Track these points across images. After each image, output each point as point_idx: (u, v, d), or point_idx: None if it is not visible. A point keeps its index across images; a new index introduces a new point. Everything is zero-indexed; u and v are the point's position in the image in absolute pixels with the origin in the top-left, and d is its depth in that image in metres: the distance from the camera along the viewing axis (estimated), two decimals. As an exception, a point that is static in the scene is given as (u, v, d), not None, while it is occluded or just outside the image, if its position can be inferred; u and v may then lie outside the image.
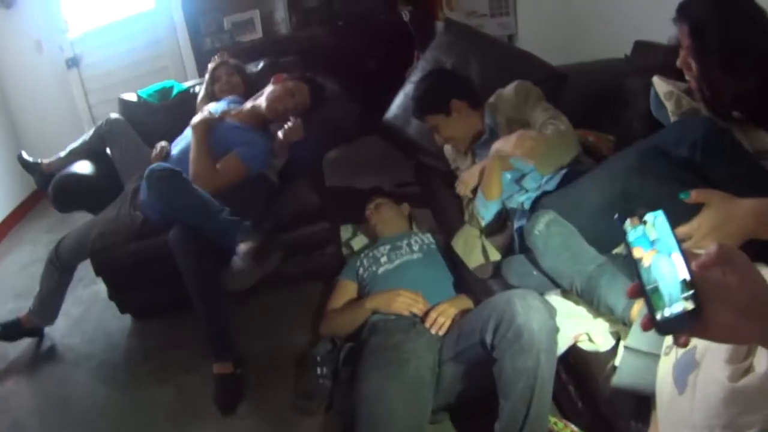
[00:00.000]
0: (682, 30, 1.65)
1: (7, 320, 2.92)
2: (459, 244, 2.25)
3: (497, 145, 2.11)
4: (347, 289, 2.44)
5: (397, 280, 2.24)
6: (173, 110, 3.35)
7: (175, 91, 3.51)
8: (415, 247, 2.40)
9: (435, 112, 2.41)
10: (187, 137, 2.79)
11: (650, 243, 0.79)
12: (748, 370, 0.93)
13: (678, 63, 1.70)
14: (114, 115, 3.14)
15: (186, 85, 3.56)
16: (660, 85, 1.88)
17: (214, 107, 2.94)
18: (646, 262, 0.78)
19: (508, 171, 2.14)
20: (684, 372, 1.04)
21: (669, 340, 1.13)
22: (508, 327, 1.59)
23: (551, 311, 1.66)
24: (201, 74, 4.35)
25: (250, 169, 2.69)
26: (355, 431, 1.76)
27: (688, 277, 0.74)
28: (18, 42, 4.72)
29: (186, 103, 3.32)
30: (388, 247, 2.44)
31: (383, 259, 2.37)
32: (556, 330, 1.64)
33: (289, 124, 2.74)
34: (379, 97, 3.10)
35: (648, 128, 2.01)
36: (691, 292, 0.73)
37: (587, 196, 1.79)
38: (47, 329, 3.00)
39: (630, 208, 0.83)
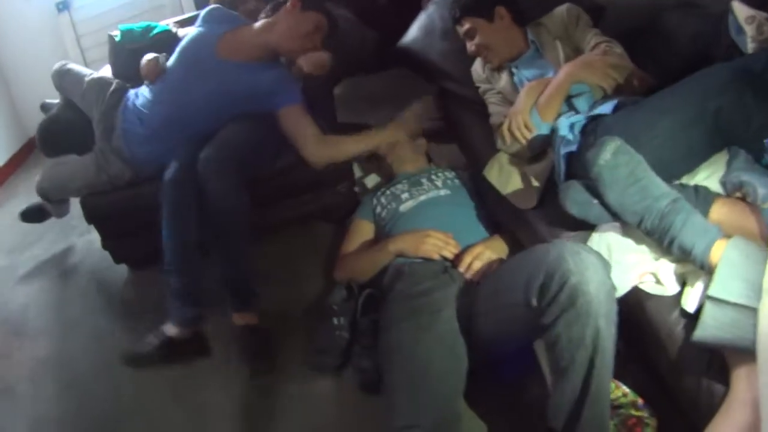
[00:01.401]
0: None
1: (34, 204, 3.06)
2: (493, 172, 2.06)
3: (573, 69, 1.95)
4: (364, 230, 2.22)
5: (423, 218, 2.00)
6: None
7: (154, 32, 3.15)
8: (438, 183, 2.17)
9: (477, 14, 2.20)
10: (183, 51, 2.50)
11: None
12: None
13: None
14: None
15: (166, 25, 3.22)
16: (740, 9, 1.77)
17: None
18: None
19: None
20: None
21: None
22: (560, 288, 1.34)
23: (608, 268, 1.43)
24: (198, 8, 4.14)
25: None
26: (385, 387, 1.57)
27: None
28: (5, -14, 4.50)
29: (164, 45, 2.88)
30: (407, 183, 2.20)
31: (404, 196, 2.12)
32: (614, 290, 1.41)
33: (314, 54, 2.46)
34: (391, 28, 2.81)
35: (688, 66, 1.83)
36: None
37: (668, 115, 1.61)
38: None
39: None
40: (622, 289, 1.50)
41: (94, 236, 3.00)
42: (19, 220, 3.06)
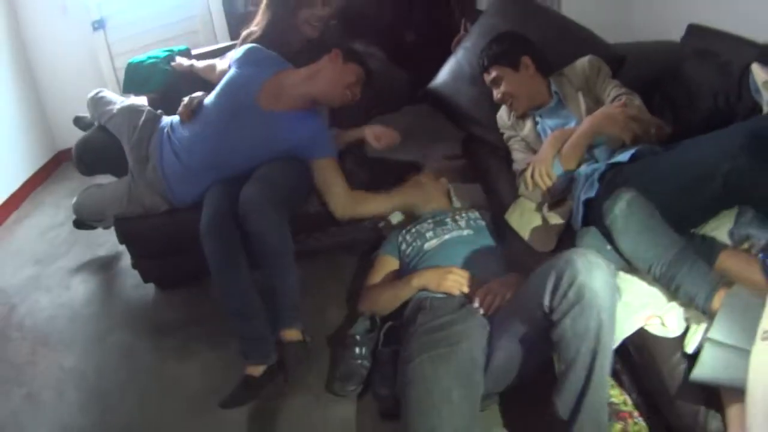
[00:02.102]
0: None
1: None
2: (514, 216, 2.18)
3: (595, 121, 2.06)
4: (388, 265, 2.30)
5: (446, 256, 2.08)
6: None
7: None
8: (462, 223, 2.24)
9: (504, 64, 2.34)
10: (221, 94, 2.54)
11: None
12: None
13: None
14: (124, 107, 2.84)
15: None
16: (759, 73, 1.84)
17: None
18: None
19: None
20: None
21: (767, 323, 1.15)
22: (569, 286, 1.46)
23: (612, 269, 1.53)
24: (232, 38, 4.20)
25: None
26: (404, 416, 1.63)
27: None
28: (44, 4, 4.59)
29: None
30: (432, 222, 2.28)
31: (429, 234, 2.21)
32: (618, 290, 1.56)
33: (384, 131, 2.56)
34: (418, 68, 2.93)
35: (707, 117, 2.04)
36: None
37: (682, 171, 1.73)
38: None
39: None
40: (629, 330, 1.61)
41: (122, 255, 3.12)
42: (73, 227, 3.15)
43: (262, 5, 2.82)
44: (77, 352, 2.59)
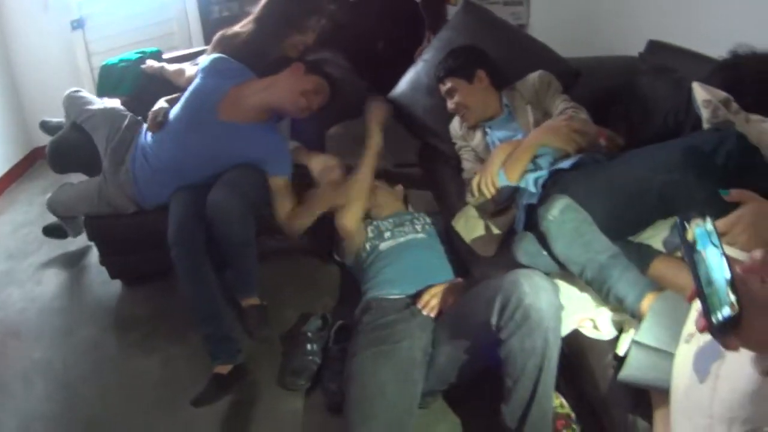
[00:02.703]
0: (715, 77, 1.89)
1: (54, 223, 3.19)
2: (460, 222, 2.27)
3: (539, 134, 2.17)
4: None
5: (398, 257, 2.18)
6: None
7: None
8: (418, 227, 2.34)
9: (459, 76, 2.44)
10: (185, 104, 2.60)
11: (704, 246, 0.82)
12: None
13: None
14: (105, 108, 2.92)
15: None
16: (699, 92, 1.90)
17: None
18: (702, 266, 0.81)
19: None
20: (707, 361, 1.03)
21: (692, 327, 1.16)
22: (516, 308, 1.58)
23: (557, 290, 1.67)
24: (207, 42, 4.29)
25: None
26: (345, 409, 1.75)
27: (731, 282, 0.77)
28: (24, 1, 4.64)
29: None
30: (392, 222, 2.36)
31: (387, 234, 2.29)
32: (562, 308, 1.65)
33: (328, 166, 2.55)
34: (387, 77, 3.03)
35: (659, 130, 2.07)
36: (734, 297, 0.76)
37: (620, 181, 1.81)
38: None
39: (688, 212, 0.87)
40: (563, 332, 1.69)
41: (92, 250, 3.19)
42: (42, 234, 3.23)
43: (254, 14, 2.88)
44: (46, 344, 2.68)
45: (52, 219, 3.15)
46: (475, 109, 2.43)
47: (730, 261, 0.79)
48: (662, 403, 1.34)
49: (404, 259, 2.18)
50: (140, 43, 3.98)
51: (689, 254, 0.83)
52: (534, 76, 2.45)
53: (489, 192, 2.15)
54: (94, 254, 3.13)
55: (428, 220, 2.42)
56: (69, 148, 2.88)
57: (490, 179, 2.15)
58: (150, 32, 4.47)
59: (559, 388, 1.79)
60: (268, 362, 2.32)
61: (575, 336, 1.72)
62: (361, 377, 1.76)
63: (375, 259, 2.23)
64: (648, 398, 1.45)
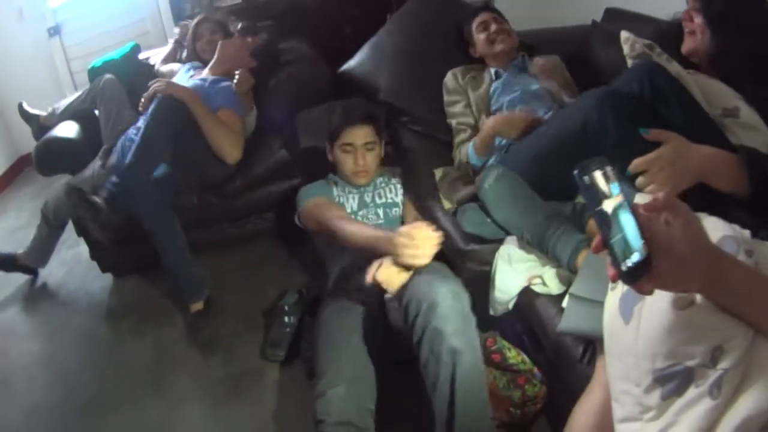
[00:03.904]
0: None
1: (5, 252, 3.23)
2: (439, 172, 2.47)
3: (500, 129, 2.23)
4: (330, 204, 2.34)
5: None
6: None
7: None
8: (380, 212, 2.38)
9: (498, 15, 2.69)
10: None
11: (606, 197, 0.83)
12: (692, 302, 0.96)
13: (682, 15, 1.87)
14: (108, 76, 3.21)
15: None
16: (623, 36, 1.99)
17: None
18: (606, 216, 0.83)
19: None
20: (630, 303, 1.08)
21: None
22: (416, 314, 1.65)
23: (462, 298, 1.71)
24: (182, 39, 4.46)
25: (240, 114, 2.85)
26: (314, 360, 1.89)
27: (638, 228, 0.82)
28: (0, 11, 4.76)
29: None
30: (356, 197, 2.41)
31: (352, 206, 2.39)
32: (471, 316, 1.69)
33: (237, 75, 2.93)
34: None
35: None
36: (642, 242, 0.81)
37: (546, 136, 1.90)
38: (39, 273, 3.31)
39: (586, 164, 0.85)
40: (516, 289, 1.81)
41: (81, 249, 3.33)
42: None
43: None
44: (44, 338, 2.85)
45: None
46: (511, 41, 2.58)
47: (635, 207, 0.84)
48: (602, 351, 1.37)
49: None
50: (117, 44, 4.04)
51: (592, 206, 0.84)
52: (557, 57, 2.65)
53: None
54: (84, 251, 3.24)
55: (392, 194, 2.45)
56: (55, 149, 3.04)
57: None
58: (125, 33, 4.61)
59: (522, 345, 1.92)
60: (251, 337, 2.48)
61: (527, 293, 1.80)
62: (328, 328, 1.89)
63: None
64: (594, 348, 1.49)
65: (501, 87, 2.49)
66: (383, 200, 2.40)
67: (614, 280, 0.86)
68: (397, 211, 2.41)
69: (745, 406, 0.88)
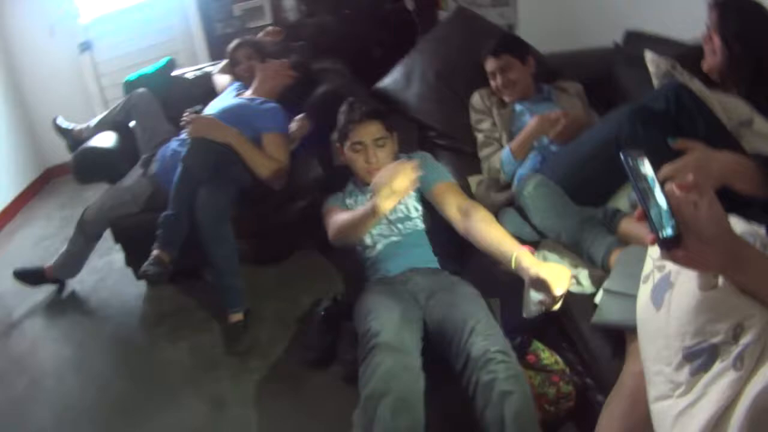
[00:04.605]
0: (712, 13, 2.09)
1: (32, 266, 3.30)
2: (474, 179, 2.64)
3: (540, 129, 2.44)
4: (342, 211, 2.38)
5: (386, 255, 2.32)
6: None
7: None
8: (394, 227, 2.35)
9: (515, 55, 2.73)
10: (220, 103, 3.10)
11: (646, 176, 1.03)
12: (715, 286, 1.12)
13: (703, 36, 2.14)
14: (143, 90, 3.37)
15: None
16: (648, 56, 2.27)
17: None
18: (646, 192, 1.02)
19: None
20: (661, 292, 1.25)
21: (648, 269, 1.39)
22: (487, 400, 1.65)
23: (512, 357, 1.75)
24: (212, 58, 4.62)
25: (285, 132, 2.97)
26: (357, 329, 1.98)
27: (671, 211, 0.98)
28: (32, 27, 4.96)
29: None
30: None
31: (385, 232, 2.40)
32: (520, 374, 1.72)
33: (295, 124, 3.10)
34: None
35: None
36: (673, 221, 0.98)
37: (582, 145, 2.13)
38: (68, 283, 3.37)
39: (629, 150, 1.06)
40: None
41: (114, 257, 3.48)
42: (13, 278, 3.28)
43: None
44: (75, 343, 2.95)
45: (71, 231, 3.25)
46: (521, 87, 2.71)
47: (668, 191, 1.00)
48: (632, 342, 1.52)
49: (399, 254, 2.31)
50: (147, 62, 4.21)
51: (635, 183, 1.03)
52: (578, 85, 2.82)
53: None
54: (117, 260, 3.39)
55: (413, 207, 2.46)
56: (94, 158, 3.20)
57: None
58: (156, 51, 4.74)
59: (556, 347, 2.02)
60: (289, 343, 2.59)
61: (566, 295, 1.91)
62: (371, 301, 2.01)
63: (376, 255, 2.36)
64: (624, 344, 1.59)
65: (524, 111, 2.68)
66: (397, 214, 2.35)
67: (652, 244, 1.02)
68: (413, 224, 2.35)
69: (764, 377, 1.01)
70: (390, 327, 1.82)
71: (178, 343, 2.78)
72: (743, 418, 1.00)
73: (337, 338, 2.33)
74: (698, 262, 1.02)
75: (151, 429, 2.31)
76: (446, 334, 1.87)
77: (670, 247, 1.00)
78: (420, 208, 2.38)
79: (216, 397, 2.41)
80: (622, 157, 1.06)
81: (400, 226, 2.33)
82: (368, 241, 2.33)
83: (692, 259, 1.01)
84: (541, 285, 1.75)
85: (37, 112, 5.14)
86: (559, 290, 1.71)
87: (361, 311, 2.02)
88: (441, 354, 1.88)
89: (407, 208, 2.36)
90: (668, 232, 0.98)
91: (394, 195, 1.90)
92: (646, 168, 1.04)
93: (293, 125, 3.09)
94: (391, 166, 1.95)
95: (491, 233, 2.00)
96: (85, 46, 4.96)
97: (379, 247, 2.31)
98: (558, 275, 1.73)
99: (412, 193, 2.34)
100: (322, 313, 2.36)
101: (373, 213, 1.96)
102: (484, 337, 1.76)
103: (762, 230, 1.30)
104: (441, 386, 1.79)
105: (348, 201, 2.44)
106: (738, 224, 1.29)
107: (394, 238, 2.32)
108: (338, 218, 2.23)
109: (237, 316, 2.70)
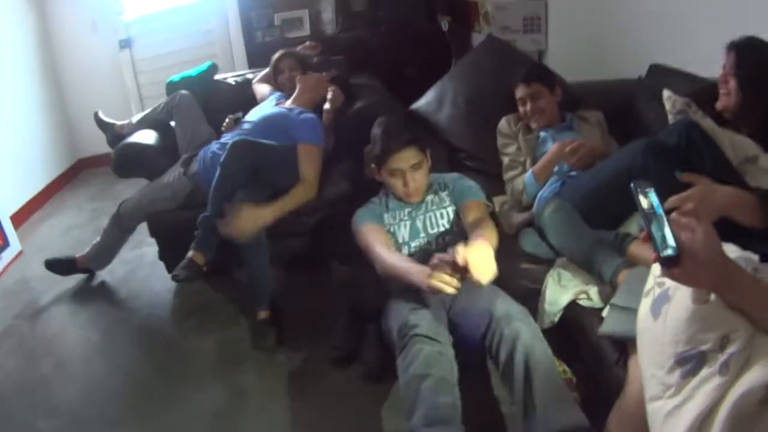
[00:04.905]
0: (729, 55, 2.22)
1: (64, 256, 3.48)
2: (498, 200, 2.80)
3: (560, 156, 2.59)
4: (380, 232, 2.45)
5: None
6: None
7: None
8: (432, 240, 2.46)
9: (544, 84, 2.89)
10: (260, 111, 3.26)
11: (652, 204, 1.21)
12: (707, 300, 1.27)
13: (720, 78, 2.28)
14: (185, 92, 3.52)
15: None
16: (665, 94, 2.50)
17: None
18: (651, 217, 1.19)
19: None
20: (659, 304, 1.40)
21: (649, 285, 1.53)
22: (510, 350, 1.91)
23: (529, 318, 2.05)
24: (250, 65, 4.82)
25: (320, 145, 3.08)
26: (391, 329, 2.12)
27: (672, 233, 1.15)
28: (75, 21, 5.16)
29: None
30: (408, 224, 2.50)
31: (401, 237, 2.49)
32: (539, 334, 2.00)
33: (329, 93, 3.29)
34: (416, 100, 3.43)
35: None
36: (674, 243, 1.14)
37: (600, 172, 2.29)
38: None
39: (639, 181, 1.24)
40: (564, 302, 2.10)
41: (145, 251, 3.64)
42: (44, 267, 3.45)
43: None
44: (103, 329, 3.07)
45: (102, 222, 3.46)
46: (547, 115, 2.87)
47: (671, 218, 1.18)
48: (634, 352, 1.65)
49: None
50: (184, 62, 4.44)
51: (642, 209, 1.21)
52: (600, 114, 2.95)
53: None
54: (148, 253, 3.55)
55: (446, 213, 2.53)
56: (135, 154, 3.34)
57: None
58: (194, 53, 4.93)
59: (564, 358, 2.16)
60: (315, 341, 2.70)
61: (572, 306, 2.09)
62: (404, 303, 2.15)
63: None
64: (627, 354, 1.76)
65: (548, 138, 2.83)
66: (435, 230, 2.45)
67: (654, 261, 1.20)
68: (449, 238, 2.43)
69: (745, 382, 1.16)
70: (426, 321, 2.00)
71: (205, 336, 2.90)
72: (725, 419, 1.15)
73: (362, 339, 2.47)
74: (693, 279, 1.19)
75: (173, 413, 2.42)
76: (470, 314, 2.10)
77: (670, 266, 1.16)
78: (454, 220, 2.49)
79: (239, 387, 2.53)
80: (632, 186, 1.25)
81: (439, 240, 2.45)
82: (405, 251, 2.45)
83: (687, 276, 1.18)
84: (463, 269, 1.90)
85: (74, 104, 5.32)
86: (483, 279, 1.89)
87: (395, 310, 2.17)
88: (463, 340, 2.09)
89: (447, 222, 2.48)
90: (668, 252, 1.14)
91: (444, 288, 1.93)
92: (653, 197, 1.22)
93: (329, 94, 3.28)
94: (484, 263, 1.94)
95: (473, 229, 2.23)
96: (126, 43, 5.11)
97: (416, 258, 2.37)
98: (483, 268, 1.91)
99: (451, 207, 2.50)
100: (348, 315, 2.50)
101: (419, 285, 2.01)
102: (506, 303, 2.07)
103: (755, 257, 1.46)
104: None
105: (386, 217, 2.51)
106: (733, 251, 1.46)
107: (429, 250, 2.40)
108: (387, 259, 2.25)
109: (265, 314, 2.84)
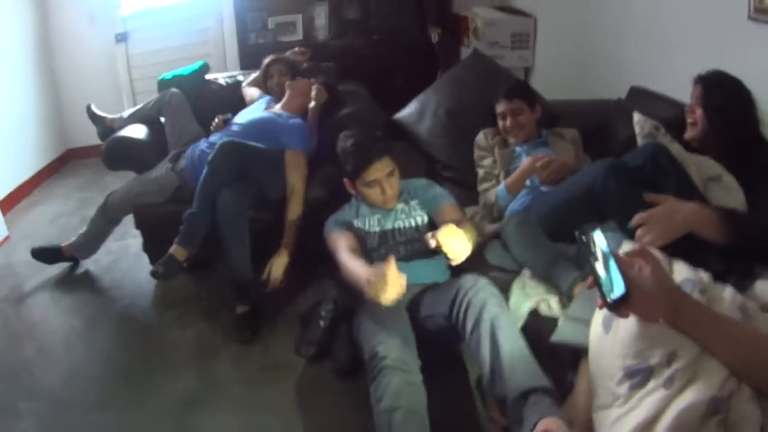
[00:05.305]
0: (696, 87, 2.35)
1: (49, 245, 3.58)
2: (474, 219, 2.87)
3: (532, 170, 2.73)
4: (344, 238, 2.53)
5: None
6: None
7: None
8: (400, 238, 2.57)
9: (526, 101, 3.03)
10: (249, 114, 3.38)
11: (597, 250, 1.27)
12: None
13: (686, 108, 2.39)
14: (175, 90, 3.64)
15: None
16: (635, 117, 2.61)
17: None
18: (598, 264, 1.25)
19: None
20: (611, 319, 1.49)
21: None
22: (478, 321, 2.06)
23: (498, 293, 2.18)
24: (242, 66, 4.93)
25: (305, 151, 3.22)
26: (362, 339, 2.24)
27: (619, 272, 1.20)
28: (73, 13, 5.22)
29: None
30: (377, 235, 2.59)
31: (374, 243, 2.60)
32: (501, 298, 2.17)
33: (313, 91, 3.39)
34: (401, 107, 3.58)
35: None
36: (622, 282, 1.19)
37: (562, 192, 2.43)
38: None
39: (584, 227, 1.32)
40: (526, 309, 2.19)
41: (130, 242, 3.74)
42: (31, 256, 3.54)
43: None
44: (86, 316, 3.16)
45: (89, 212, 3.56)
46: (525, 131, 3.00)
47: (617, 257, 1.23)
48: (585, 360, 1.70)
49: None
50: (178, 60, 4.49)
51: (586, 256, 1.28)
52: (575, 131, 3.10)
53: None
54: (132, 245, 3.66)
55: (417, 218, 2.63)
56: (125, 147, 3.46)
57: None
58: (188, 51, 5.01)
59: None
60: (288, 336, 2.81)
61: (534, 315, 2.18)
62: (374, 326, 2.20)
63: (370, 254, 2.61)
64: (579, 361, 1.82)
65: (522, 153, 2.97)
66: (403, 237, 2.57)
67: (601, 308, 1.27)
68: (417, 246, 2.54)
69: (689, 397, 1.26)
70: (394, 350, 2.07)
71: (185, 327, 3.01)
72: (667, 429, 1.25)
73: (335, 337, 2.60)
74: (644, 313, 1.27)
75: (151, 399, 2.53)
76: (436, 313, 2.26)
77: (617, 306, 1.22)
78: (426, 227, 2.58)
79: (215, 376, 2.65)
80: (577, 235, 1.34)
81: (408, 247, 2.58)
82: (375, 256, 2.56)
83: (638, 312, 1.25)
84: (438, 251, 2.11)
85: (67, 94, 5.39)
86: (456, 256, 2.10)
87: (365, 333, 2.25)
88: (432, 331, 2.28)
89: (416, 230, 2.58)
90: (615, 294, 1.18)
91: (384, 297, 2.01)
92: (599, 240, 1.28)
93: (312, 93, 3.40)
94: (386, 275, 2.01)
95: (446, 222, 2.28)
96: (122, 37, 5.17)
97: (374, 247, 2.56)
98: (456, 245, 2.09)
99: (422, 214, 2.61)
100: (323, 313, 2.63)
101: (361, 285, 2.14)
102: (473, 277, 2.23)
103: (705, 276, 1.57)
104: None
105: (356, 222, 2.62)
106: (682, 272, 1.57)
107: (397, 257, 2.45)
108: (348, 266, 2.35)
109: (243, 308, 2.96)
